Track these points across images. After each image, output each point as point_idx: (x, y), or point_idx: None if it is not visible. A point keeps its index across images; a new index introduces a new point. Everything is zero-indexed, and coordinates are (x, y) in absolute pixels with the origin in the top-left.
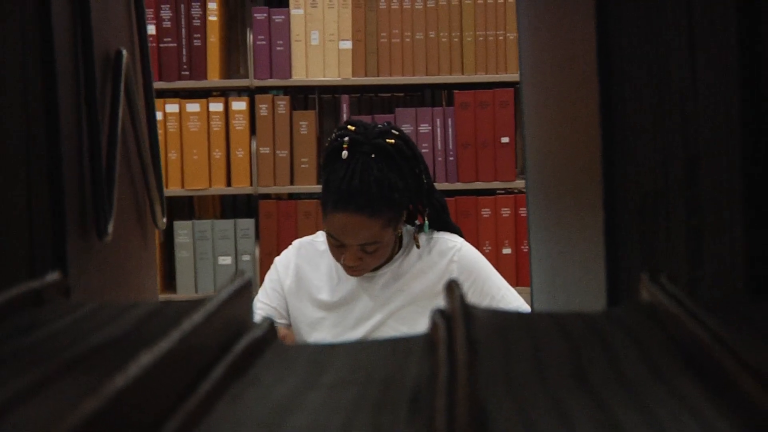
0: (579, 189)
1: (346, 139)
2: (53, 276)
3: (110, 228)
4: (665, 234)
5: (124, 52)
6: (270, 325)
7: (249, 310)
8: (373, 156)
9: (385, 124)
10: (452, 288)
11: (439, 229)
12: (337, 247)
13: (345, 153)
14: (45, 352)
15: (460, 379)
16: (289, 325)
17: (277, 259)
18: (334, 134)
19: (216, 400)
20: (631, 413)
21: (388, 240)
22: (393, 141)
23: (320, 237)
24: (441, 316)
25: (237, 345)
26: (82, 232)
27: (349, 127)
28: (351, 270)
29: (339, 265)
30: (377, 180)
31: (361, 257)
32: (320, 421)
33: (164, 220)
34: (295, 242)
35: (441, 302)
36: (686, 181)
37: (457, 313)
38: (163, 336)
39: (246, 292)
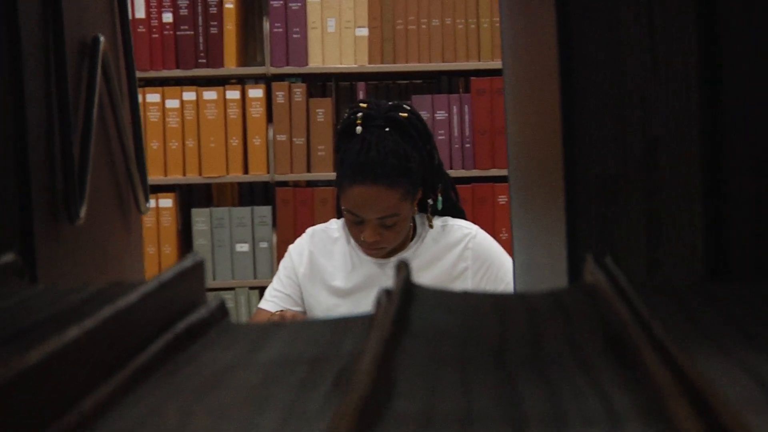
0: (545, 174)
1: (359, 114)
2: (7, 257)
3: (82, 212)
4: (625, 217)
5: (101, 38)
6: (220, 304)
7: (200, 289)
8: (387, 129)
9: (396, 101)
10: (400, 267)
11: (446, 208)
12: (356, 224)
13: (359, 128)
14: None
15: (372, 356)
16: (303, 313)
17: (291, 246)
18: (346, 113)
19: (146, 377)
20: (535, 389)
21: (406, 213)
22: (405, 115)
23: (334, 224)
24: (385, 296)
25: (178, 324)
26: (51, 216)
27: (361, 104)
28: (370, 248)
29: (353, 252)
30: (393, 151)
31: (381, 233)
32: (239, 397)
33: (148, 205)
34: (309, 230)
35: (456, 289)
36: (645, 164)
37: (396, 293)
38: (91, 315)
39: (197, 271)
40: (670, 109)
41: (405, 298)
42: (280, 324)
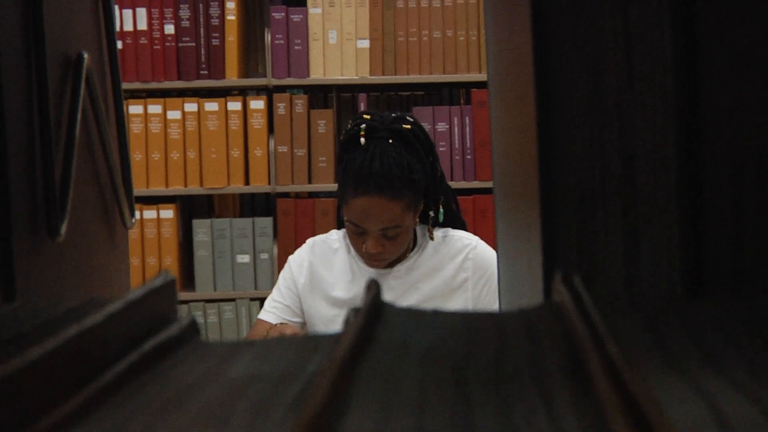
0: (524, 188)
1: (363, 126)
2: None
3: (63, 228)
4: (602, 232)
5: (85, 55)
6: (191, 322)
7: (171, 307)
8: (390, 141)
9: (399, 113)
10: (369, 286)
11: (447, 220)
12: (358, 235)
13: (363, 140)
14: None
15: (328, 376)
16: (303, 324)
17: (291, 257)
18: (350, 124)
19: (110, 397)
20: (488, 408)
21: (409, 225)
22: (409, 126)
23: (334, 235)
24: (354, 314)
25: (146, 343)
26: (31, 233)
27: (364, 116)
28: (372, 259)
29: (353, 263)
30: (397, 162)
31: (383, 244)
32: (201, 416)
33: (133, 220)
34: (309, 240)
35: (456, 300)
36: (622, 179)
37: (363, 311)
38: (54, 335)
39: (168, 290)
40: (647, 124)
41: (371, 316)
42: (250, 342)
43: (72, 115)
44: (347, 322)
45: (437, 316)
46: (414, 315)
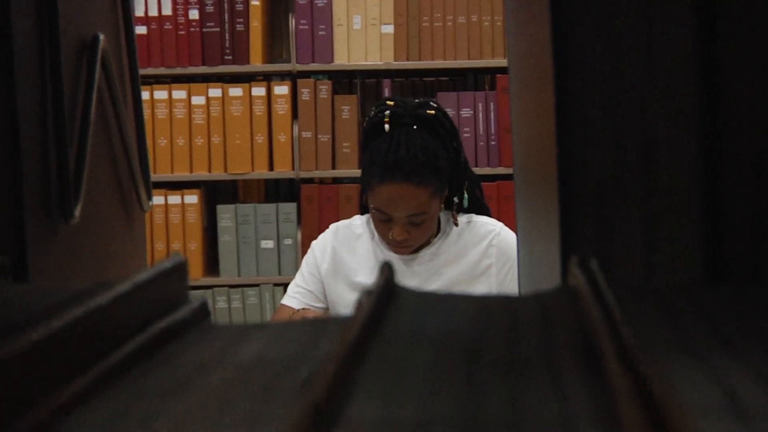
0: (543, 175)
1: (387, 112)
2: None
3: (77, 211)
4: (622, 219)
5: (101, 37)
6: (201, 305)
7: (181, 290)
8: (415, 127)
9: (423, 98)
10: (383, 269)
11: (471, 206)
12: (384, 222)
13: (387, 127)
14: None
15: (334, 361)
16: (326, 309)
17: (314, 242)
18: (373, 110)
19: (115, 379)
20: (498, 395)
21: (435, 212)
22: (433, 112)
23: (357, 221)
24: (367, 297)
25: (155, 325)
26: (45, 215)
27: (388, 102)
28: (398, 246)
29: (377, 248)
30: (422, 148)
31: (409, 231)
32: (205, 400)
33: (150, 203)
34: (332, 226)
35: (480, 286)
36: (642, 166)
37: (375, 294)
38: (60, 316)
39: (178, 272)
40: (667, 111)
41: (383, 299)
42: (261, 324)
43: (87, 97)
44: (359, 304)
45: (450, 299)
46: (427, 298)
